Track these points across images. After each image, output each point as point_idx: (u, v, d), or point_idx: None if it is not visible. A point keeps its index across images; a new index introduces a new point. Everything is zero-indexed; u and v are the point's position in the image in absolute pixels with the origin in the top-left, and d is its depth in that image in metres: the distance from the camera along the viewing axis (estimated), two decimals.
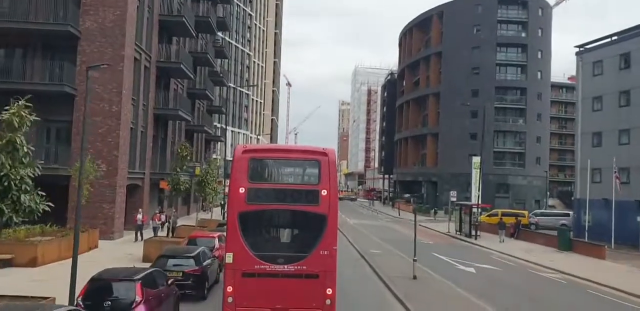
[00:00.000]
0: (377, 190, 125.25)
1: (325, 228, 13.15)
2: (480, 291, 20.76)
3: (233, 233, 13.13)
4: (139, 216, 31.06)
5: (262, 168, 14.14)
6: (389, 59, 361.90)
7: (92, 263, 22.05)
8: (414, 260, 22.92)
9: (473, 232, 43.47)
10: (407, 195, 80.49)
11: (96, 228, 28.93)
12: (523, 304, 19.57)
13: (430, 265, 26.36)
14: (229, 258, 13.09)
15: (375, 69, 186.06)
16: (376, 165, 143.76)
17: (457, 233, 46.73)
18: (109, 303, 12.37)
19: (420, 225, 58.80)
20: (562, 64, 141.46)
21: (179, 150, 27.00)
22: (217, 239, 23.45)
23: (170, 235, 29.42)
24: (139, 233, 30.54)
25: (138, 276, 13.04)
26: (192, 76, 41.69)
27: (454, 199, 51.76)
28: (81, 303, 12.37)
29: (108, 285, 13.00)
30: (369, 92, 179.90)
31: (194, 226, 32.64)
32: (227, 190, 24.14)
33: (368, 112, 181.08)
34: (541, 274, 27.01)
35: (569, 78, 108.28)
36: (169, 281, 14.90)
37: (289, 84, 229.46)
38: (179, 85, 44.94)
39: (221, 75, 57.72)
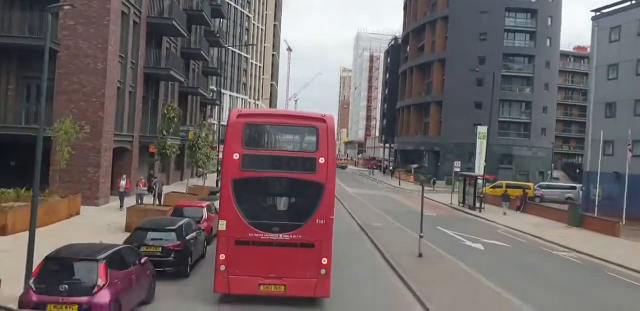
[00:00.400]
0: (377, 159, 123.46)
1: (322, 196, 12.95)
2: (491, 272, 18.97)
3: (227, 200, 12.92)
4: (122, 182, 28.96)
5: (257, 134, 13.83)
6: (392, 25, 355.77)
7: (67, 232, 20.33)
8: (420, 237, 21.04)
9: (477, 204, 41.66)
10: (415, 165, 77.79)
11: (79, 193, 27.03)
12: (540, 289, 17.69)
13: (435, 240, 24.54)
14: (222, 225, 12.92)
15: (378, 35, 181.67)
16: (377, 133, 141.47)
17: (460, 204, 44.98)
18: (66, 286, 10.44)
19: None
20: (567, 33, 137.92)
21: (165, 112, 24.65)
22: (205, 209, 21.55)
23: (157, 202, 27.44)
24: (123, 201, 28.61)
25: (102, 256, 11.06)
26: (185, 34, 39.18)
27: (458, 170, 49.83)
28: (32, 286, 10.46)
29: (66, 264, 11.01)
30: (371, 58, 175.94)
31: (184, 193, 30.67)
32: (221, 155, 22.18)
33: (370, 79, 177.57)
34: (554, 252, 25.16)
35: (574, 49, 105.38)
36: (142, 260, 13.01)
37: (289, 49, 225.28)
38: (172, 44, 42.49)
39: (217, 35, 55.01)
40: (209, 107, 60.23)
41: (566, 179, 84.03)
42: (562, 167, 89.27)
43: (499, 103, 74.50)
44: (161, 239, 15.66)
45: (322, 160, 12.93)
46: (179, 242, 15.71)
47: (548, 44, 76.59)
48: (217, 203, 16.75)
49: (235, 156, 12.82)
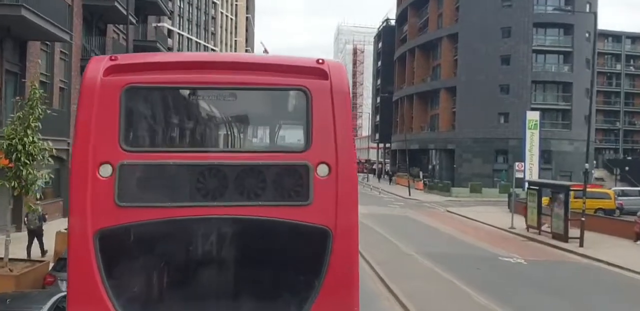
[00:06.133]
0: (372, 161, 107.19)
1: (327, 263, 4.94)
2: None
3: (83, 280, 4.85)
4: None
5: (159, 114, 5.51)
6: (370, 22, 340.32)
7: None
8: None
9: (572, 233, 25.21)
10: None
11: None
12: None
13: None
14: None
15: (361, 28, 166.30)
16: (365, 132, 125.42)
17: (530, 230, 28.71)
18: None
19: (449, 211, 40.66)
20: None
21: None
22: None
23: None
24: None
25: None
26: None
27: (521, 175, 32.98)
28: None
29: None
30: (355, 51, 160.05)
31: None
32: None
33: (354, 74, 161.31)
34: None
35: None
36: None
37: (266, 52, 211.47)
38: None
39: None
40: None
41: (611, 180, 68.10)
42: (603, 165, 73.17)
43: (532, 86, 58.63)
44: None
45: (323, 170, 4.98)
46: None
47: (587, 9, 60.64)
48: None
49: (105, 171, 4.80)
